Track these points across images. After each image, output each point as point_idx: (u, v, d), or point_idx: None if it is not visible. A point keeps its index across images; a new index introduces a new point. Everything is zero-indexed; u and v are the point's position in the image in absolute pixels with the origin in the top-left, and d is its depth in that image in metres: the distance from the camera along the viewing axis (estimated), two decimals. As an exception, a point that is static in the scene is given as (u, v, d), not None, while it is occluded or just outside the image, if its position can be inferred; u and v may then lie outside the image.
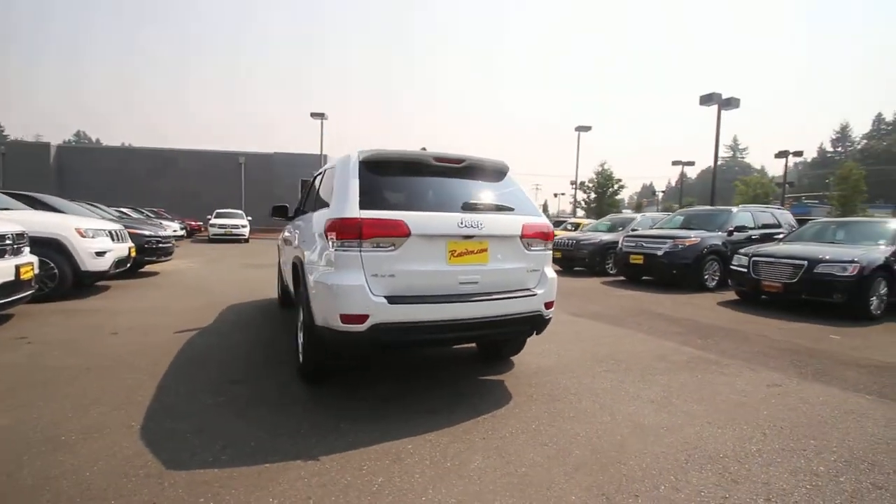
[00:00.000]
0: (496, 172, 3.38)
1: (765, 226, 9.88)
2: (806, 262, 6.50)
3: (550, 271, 3.32)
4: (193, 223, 23.40)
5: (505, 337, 3.34)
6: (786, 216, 10.75)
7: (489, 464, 2.32)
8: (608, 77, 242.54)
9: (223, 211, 21.29)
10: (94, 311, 5.54)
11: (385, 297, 2.68)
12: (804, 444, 2.64)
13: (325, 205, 3.21)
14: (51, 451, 2.29)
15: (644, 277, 9.83)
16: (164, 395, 3.05)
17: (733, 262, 7.67)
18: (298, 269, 3.24)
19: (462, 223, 2.89)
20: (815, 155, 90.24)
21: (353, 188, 2.84)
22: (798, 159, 37.53)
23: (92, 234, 6.14)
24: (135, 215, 14.62)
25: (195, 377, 3.39)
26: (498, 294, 2.98)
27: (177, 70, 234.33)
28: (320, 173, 4.09)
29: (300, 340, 3.40)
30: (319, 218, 3.07)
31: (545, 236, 3.25)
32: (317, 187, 3.89)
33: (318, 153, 26.46)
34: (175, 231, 15.61)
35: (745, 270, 7.25)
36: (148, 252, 8.27)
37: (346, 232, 2.69)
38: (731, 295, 8.12)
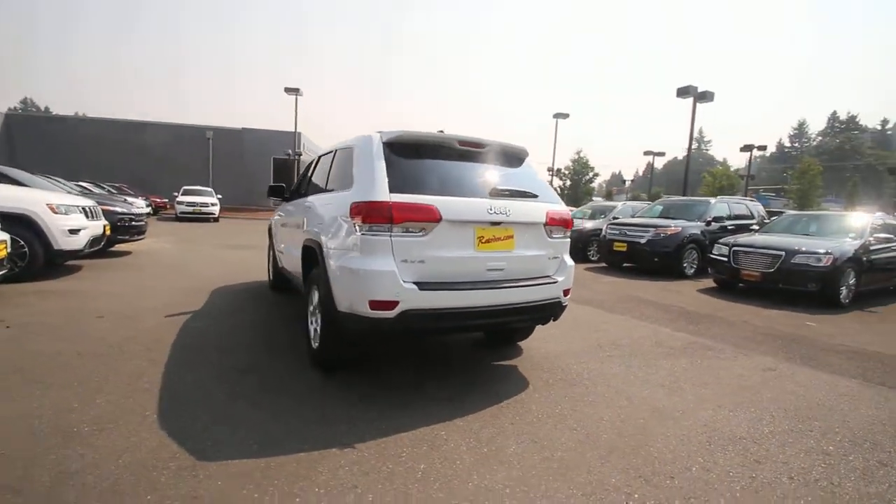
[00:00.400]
0: (516, 158, 3.35)
1: (739, 217, 10.30)
2: (784, 253, 6.83)
3: (569, 259, 3.34)
4: (158, 200, 22.28)
5: (526, 323, 3.35)
6: (758, 208, 11.24)
7: (525, 449, 2.34)
8: (585, 69, 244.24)
9: (191, 188, 20.32)
10: (71, 292, 5.20)
11: (415, 283, 2.62)
12: (810, 425, 2.79)
13: (343, 187, 3.10)
14: (64, 444, 2.14)
15: (626, 264, 10.10)
16: (171, 383, 2.91)
17: (714, 252, 7.97)
18: (316, 253, 3.11)
19: (491, 209, 2.85)
20: (773, 150, 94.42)
21: (379, 170, 2.74)
22: (761, 153, 39.14)
23: (65, 211, 5.73)
24: (96, 191, 13.74)
25: (198, 364, 3.25)
26: (523, 281, 2.97)
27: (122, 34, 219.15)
28: (328, 153, 3.93)
29: (313, 327, 3.31)
30: (341, 200, 2.95)
31: (566, 224, 3.26)
32: (326, 168, 3.73)
33: (292, 130, 25.53)
34: (142, 209, 14.80)
35: (726, 260, 7.55)
36: (120, 230, 7.80)
37: (374, 216, 2.60)
38: (708, 282, 8.46)
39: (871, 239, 7.14)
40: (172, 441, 2.22)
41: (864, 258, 6.88)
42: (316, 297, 3.27)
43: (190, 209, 18.69)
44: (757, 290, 7.50)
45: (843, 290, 6.63)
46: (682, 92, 19.13)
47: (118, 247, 8.81)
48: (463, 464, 2.17)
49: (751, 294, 7.38)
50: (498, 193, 2.94)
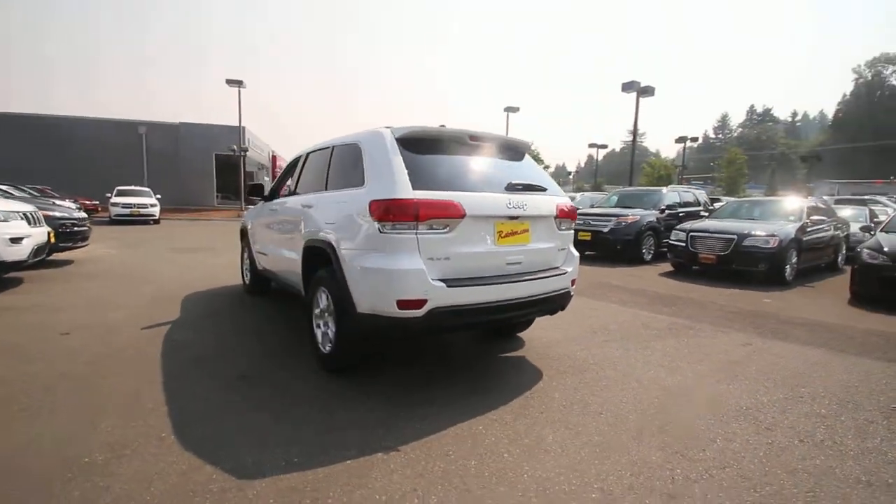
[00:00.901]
0: (519, 151, 3.39)
1: (688, 204, 11.02)
2: (736, 237, 7.41)
3: (574, 250, 3.44)
4: (89, 203, 20.33)
5: (540, 315, 3.41)
6: (702, 196, 12.10)
7: (563, 436, 2.40)
8: (533, 66, 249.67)
9: (126, 188, 18.71)
10: (23, 308, 4.67)
11: (442, 280, 2.60)
12: (799, 392, 3.07)
13: (350, 185, 2.99)
14: (83, 476, 1.94)
15: (588, 252, 10.52)
16: (177, 400, 2.71)
17: (672, 238, 8.49)
18: (325, 253, 2.99)
19: (510, 204, 2.87)
20: (700, 141, 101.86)
21: (397, 167, 2.68)
22: (691, 144, 42.04)
23: (4, 217, 5.11)
24: (17, 194, 12.33)
25: (198, 377, 3.04)
26: (538, 273, 3.03)
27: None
28: (320, 150, 3.77)
29: (321, 330, 3.19)
30: (353, 199, 2.85)
31: (572, 216, 3.35)
32: (322, 166, 3.57)
33: (236, 125, 24.18)
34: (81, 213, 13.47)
35: (684, 245, 8.07)
36: (63, 237, 7.07)
37: (399, 213, 2.54)
38: (666, 266, 9.00)
39: (807, 221, 7.91)
40: (203, 462, 2.08)
41: (803, 239, 7.61)
42: (324, 299, 3.15)
43: (126, 211, 17.23)
44: (710, 271, 8.08)
45: (788, 269, 7.31)
46: (627, 87, 20.11)
47: (57, 255, 7.98)
48: (511, 456, 2.19)
49: (705, 275, 7.94)
50: (513, 188, 2.97)
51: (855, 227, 9.76)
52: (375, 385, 2.98)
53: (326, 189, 3.39)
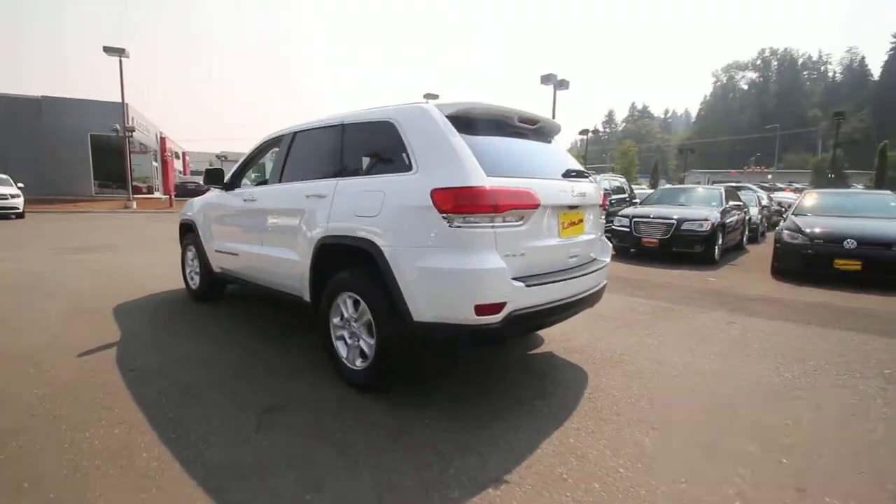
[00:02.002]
0: (552, 134, 3.17)
1: (618, 191, 11.79)
2: (675, 222, 8.03)
3: (606, 240, 3.34)
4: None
5: (588, 309, 3.25)
6: (627, 184, 13.03)
7: (657, 439, 2.28)
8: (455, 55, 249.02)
9: (-27, 176, 15.11)
10: None
11: (520, 279, 2.30)
12: (807, 365, 3.31)
13: (384, 170, 2.55)
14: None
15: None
16: (188, 449, 2.10)
17: (616, 223, 8.98)
18: (358, 252, 2.51)
19: (574, 192, 2.65)
20: (591, 134, 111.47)
21: (461, 149, 2.31)
22: (583, 137, 45.31)
23: None
24: None
25: (204, 414, 2.41)
26: (591, 266, 2.87)
27: None
28: (323, 128, 3.18)
29: (351, 343, 2.72)
30: (401, 186, 2.41)
31: (604, 204, 3.23)
32: (331, 147, 3.00)
33: (118, 101, 20.69)
34: None
35: (628, 230, 8.57)
36: None
37: (474, 204, 2.18)
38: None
39: (727, 206, 8.84)
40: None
41: (726, 222, 8.50)
42: (350, 306, 2.68)
43: (-25, 204, 13.91)
44: (650, 253, 8.67)
45: (716, 250, 8.11)
46: (545, 79, 20.94)
47: None
48: (628, 471, 2.01)
49: (646, 258, 8.51)
50: (569, 174, 2.75)
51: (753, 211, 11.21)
52: (429, 404, 2.60)
53: (342, 175, 2.86)
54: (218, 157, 58.53)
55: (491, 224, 2.22)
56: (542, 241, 2.49)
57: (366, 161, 2.78)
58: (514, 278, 2.29)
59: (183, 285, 5.17)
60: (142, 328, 3.84)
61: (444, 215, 2.21)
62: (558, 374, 3.08)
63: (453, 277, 2.20)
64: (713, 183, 29.94)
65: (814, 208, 7.97)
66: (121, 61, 19.63)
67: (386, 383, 2.63)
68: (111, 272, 6.32)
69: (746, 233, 10.48)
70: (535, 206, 2.39)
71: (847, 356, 3.51)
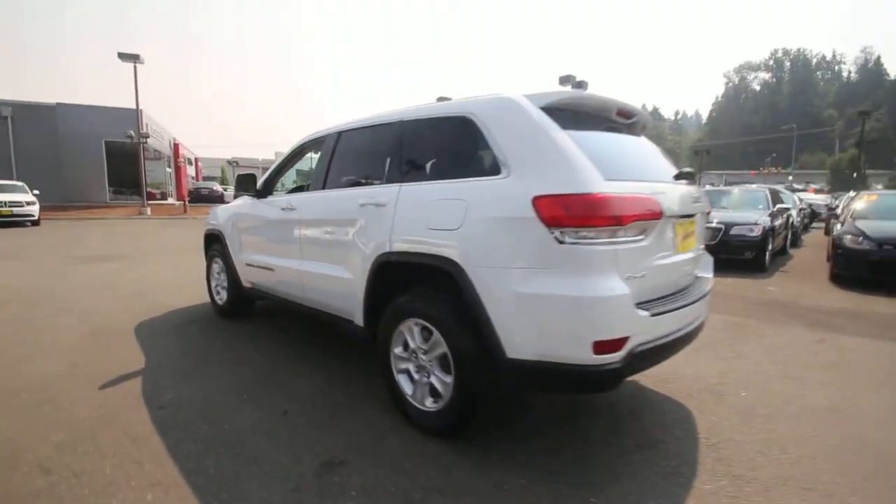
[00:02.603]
0: (645, 129, 2.73)
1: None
2: (723, 227, 7.51)
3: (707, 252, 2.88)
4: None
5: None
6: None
7: (812, 501, 1.82)
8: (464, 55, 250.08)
9: (-10, 183, 15.00)
10: None
11: (642, 306, 1.86)
12: (942, 398, 2.82)
13: (474, 173, 2.12)
14: None
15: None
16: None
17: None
18: (432, 271, 2.09)
19: (690, 198, 2.21)
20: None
21: (568, 146, 1.88)
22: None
23: None
24: None
25: (253, 474, 1.99)
26: (701, 286, 2.41)
27: None
28: (373, 126, 2.77)
29: (418, 379, 2.29)
30: (491, 192, 1.98)
31: (709, 210, 2.79)
32: (392, 148, 2.59)
33: (132, 108, 20.59)
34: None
35: (669, 235, 8.06)
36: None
37: (590, 215, 1.74)
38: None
39: (774, 209, 8.31)
40: None
41: (775, 225, 7.96)
42: (417, 335, 2.26)
43: (-9, 211, 13.76)
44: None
45: (767, 256, 7.58)
46: (563, 80, 20.42)
47: None
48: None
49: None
50: (680, 177, 2.31)
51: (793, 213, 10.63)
52: (503, 445, 2.16)
53: (404, 180, 2.43)
54: (229, 162, 58.90)
55: (612, 239, 1.78)
56: (660, 258, 2.04)
57: (434, 163, 2.36)
58: (637, 305, 1.85)
59: (207, 299, 4.79)
60: (168, 353, 3.45)
61: (552, 229, 1.77)
62: (657, 412, 2.62)
63: (566, 307, 1.76)
64: (727, 184, 29.20)
65: (872, 211, 7.41)
66: (135, 67, 19.53)
67: (460, 428, 2.19)
68: (129, 285, 5.97)
69: (790, 236, 9.93)
70: (659, 216, 1.95)
71: (985, 386, 3.01)
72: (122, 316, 4.41)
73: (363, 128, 2.88)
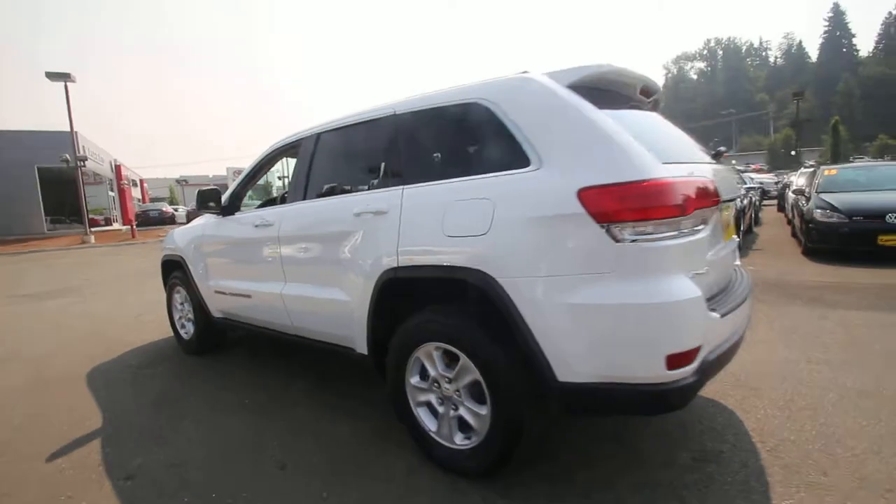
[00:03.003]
0: (658, 107, 2.51)
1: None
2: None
3: None
4: None
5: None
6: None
7: (868, 475, 1.63)
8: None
9: None
10: None
11: (711, 307, 1.62)
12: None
13: (496, 167, 1.80)
14: None
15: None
16: None
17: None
18: (451, 286, 1.76)
19: (736, 180, 2.00)
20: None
21: (610, 127, 1.61)
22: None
23: None
24: None
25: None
26: (744, 279, 2.20)
27: None
28: (362, 123, 2.41)
29: (443, 412, 1.96)
30: (521, 188, 1.68)
31: None
32: (387, 146, 2.23)
33: (66, 130, 19.00)
34: None
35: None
36: None
37: (654, 205, 1.48)
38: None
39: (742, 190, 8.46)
40: None
41: (743, 205, 8.10)
42: (439, 362, 1.94)
43: None
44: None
45: (740, 236, 7.69)
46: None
47: None
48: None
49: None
50: (718, 156, 2.10)
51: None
52: (547, 481, 1.88)
53: (407, 181, 2.09)
54: (178, 181, 55.95)
55: (677, 232, 1.52)
56: (715, 250, 1.81)
57: (442, 160, 2.03)
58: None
59: (170, 333, 4.23)
60: (130, 404, 2.95)
61: (605, 225, 1.50)
62: (702, 417, 2.39)
63: (631, 317, 1.49)
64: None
65: (837, 185, 7.64)
66: (66, 87, 18.00)
67: (503, 466, 1.87)
68: (79, 322, 5.28)
69: (753, 216, 10.23)
70: (718, 202, 1.72)
71: None
72: (74, 360, 3.82)
73: (346, 126, 2.51)
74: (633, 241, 1.49)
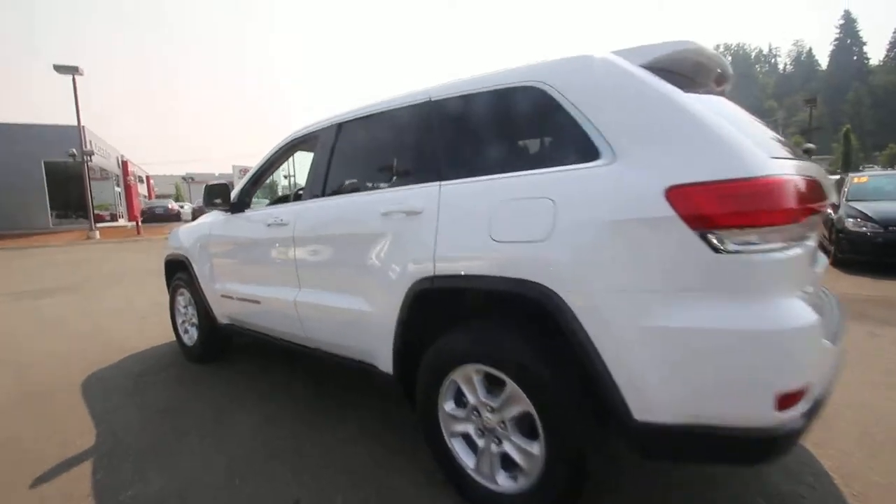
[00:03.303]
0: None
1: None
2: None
3: None
4: None
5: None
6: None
7: None
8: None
9: None
10: None
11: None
12: None
13: (557, 160, 1.54)
14: None
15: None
16: None
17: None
18: (536, 306, 1.49)
19: (831, 182, 1.72)
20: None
21: (704, 115, 1.34)
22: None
23: None
24: None
25: None
26: (832, 293, 1.93)
27: None
28: (387, 112, 2.14)
29: (484, 447, 1.69)
30: (587, 185, 1.42)
31: None
32: (420, 138, 1.97)
33: (73, 125, 18.91)
34: None
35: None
36: None
37: (765, 209, 1.21)
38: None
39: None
40: None
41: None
42: (479, 388, 1.68)
43: None
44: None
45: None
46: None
47: None
48: None
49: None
50: (808, 152, 1.81)
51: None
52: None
53: (445, 177, 1.82)
54: (184, 178, 55.92)
55: (788, 242, 1.24)
56: (815, 263, 1.53)
57: (487, 152, 1.77)
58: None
59: (173, 336, 3.99)
60: (127, 421, 2.68)
61: (702, 232, 1.23)
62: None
63: (736, 345, 1.21)
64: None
65: (867, 193, 7.33)
66: (74, 80, 17.91)
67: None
68: (78, 322, 5.05)
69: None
70: (826, 206, 1.45)
71: None
72: (69, 366, 3.58)
73: (372, 115, 2.25)
74: (737, 251, 1.21)
